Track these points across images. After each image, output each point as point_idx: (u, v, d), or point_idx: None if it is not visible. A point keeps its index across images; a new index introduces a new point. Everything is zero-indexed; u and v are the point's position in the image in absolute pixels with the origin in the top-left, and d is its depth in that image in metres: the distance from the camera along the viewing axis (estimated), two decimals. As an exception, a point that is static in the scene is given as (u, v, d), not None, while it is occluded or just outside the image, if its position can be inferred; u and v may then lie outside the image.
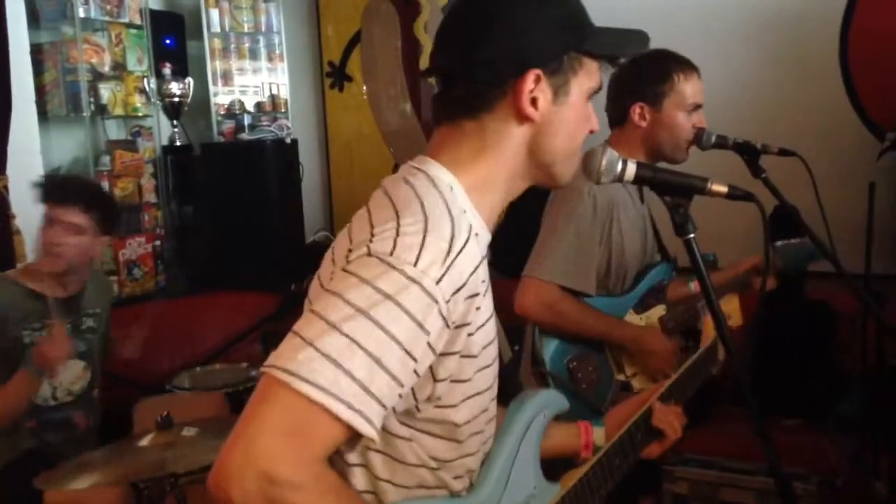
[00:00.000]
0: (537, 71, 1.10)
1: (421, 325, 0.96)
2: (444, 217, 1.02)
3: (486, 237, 1.13)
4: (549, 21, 1.12)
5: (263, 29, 4.70)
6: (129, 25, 4.12)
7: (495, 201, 1.16)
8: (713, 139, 2.06)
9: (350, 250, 1.01)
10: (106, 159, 4.04)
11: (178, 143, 4.29)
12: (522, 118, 1.11)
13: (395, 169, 4.54)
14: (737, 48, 3.69)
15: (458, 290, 1.00)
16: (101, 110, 4.02)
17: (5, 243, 3.28)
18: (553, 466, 1.37)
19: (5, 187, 3.31)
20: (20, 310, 2.45)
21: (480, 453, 1.19)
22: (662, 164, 1.97)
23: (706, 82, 2.12)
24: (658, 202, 1.35)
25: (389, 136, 4.68)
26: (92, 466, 2.05)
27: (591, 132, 1.21)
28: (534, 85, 1.10)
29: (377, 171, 4.75)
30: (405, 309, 0.95)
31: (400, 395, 0.98)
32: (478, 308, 1.05)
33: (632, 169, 1.26)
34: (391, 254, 0.97)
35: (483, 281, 1.06)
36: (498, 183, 1.15)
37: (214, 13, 4.53)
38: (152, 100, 4.20)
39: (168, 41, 4.33)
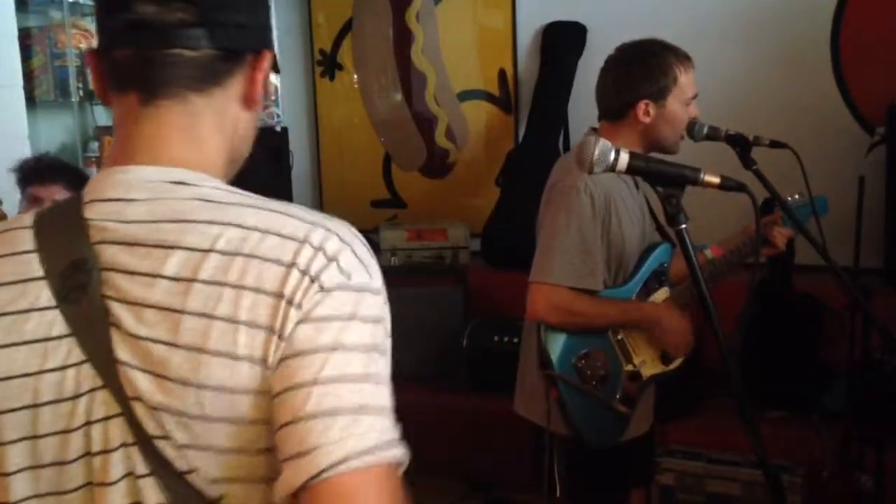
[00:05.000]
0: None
1: None
2: None
3: None
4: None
5: (254, 16, 4.66)
6: (119, 10, 4.09)
7: None
8: (705, 130, 2.07)
9: None
10: (94, 145, 4.00)
11: (166, 130, 4.26)
12: None
13: (386, 158, 4.56)
14: (729, 43, 3.69)
15: None
16: (90, 96, 3.97)
17: (-8, 229, 3.26)
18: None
19: (-9, 172, 3.28)
20: None
21: None
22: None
23: (698, 77, 2.13)
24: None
25: (380, 125, 4.67)
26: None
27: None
28: None
29: (367, 160, 4.75)
30: None
31: None
32: None
33: (624, 159, 1.27)
34: None
35: None
36: None
37: (205, -1, 4.50)
38: (141, 86, 4.17)
39: (158, 27, 4.29)
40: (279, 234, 0.80)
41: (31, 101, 3.75)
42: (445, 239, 4.11)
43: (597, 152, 1.26)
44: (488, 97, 4.37)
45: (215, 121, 0.90)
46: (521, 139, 4.26)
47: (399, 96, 4.59)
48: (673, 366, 2.15)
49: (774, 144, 2.06)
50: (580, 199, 1.99)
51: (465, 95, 4.43)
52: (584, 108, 3.93)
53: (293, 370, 0.77)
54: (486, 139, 4.42)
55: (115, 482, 0.81)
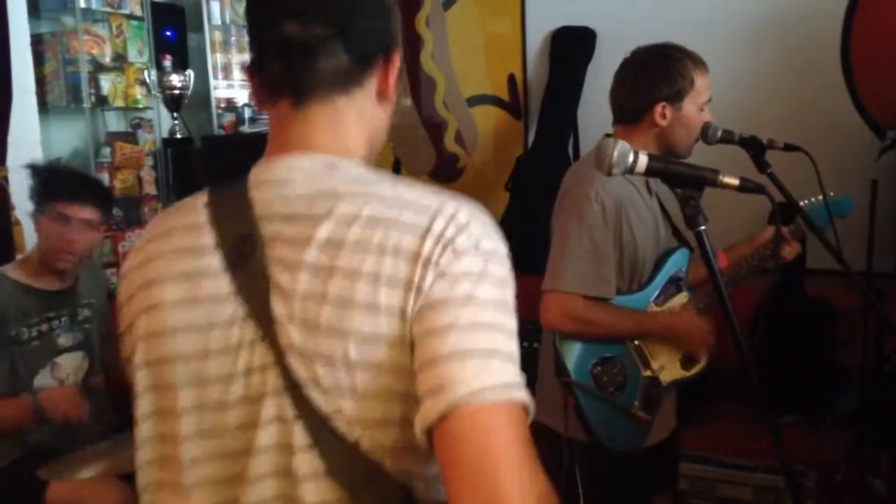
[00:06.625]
0: None
1: None
2: None
3: None
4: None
5: (264, 22, 4.68)
6: (130, 17, 4.11)
7: None
8: (719, 133, 2.06)
9: None
10: (106, 151, 4.02)
11: (178, 136, 4.28)
12: None
13: (395, 163, 4.56)
14: (740, 46, 3.70)
15: None
16: (102, 102, 4.00)
17: (5, 234, 3.27)
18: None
19: (5, 178, 3.29)
20: (16, 307, 2.43)
21: None
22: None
23: (710, 80, 2.13)
24: (668, 190, 1.35)
25: (389, 130, 4.68)
26: (96, 458, 2.06)
27: None
28: None
29: (376, 165, 4.74)
30: None
31: None
32: None
33: (643, 161, 1.27)
34: None
35: None
36: None
37: (215, 5, 4.52)
38: (153, 92, 4.18)
39: (169, 33, 4.31)
40: (416, 206, 0.92)
41: (43, 106, 3.78)
42: (455, 244, 4.10)
43: (616, 154, 1.26)
44: (498, 102, 4.38)
45: (356, 117, 1.04)
46: (530, 144, 4.26)
47: (408, 101, 4.61)
48: (694, 371, 2.13)
49: (788, 148, 2.06)
50: (591, 208, 1.98)
51: (475, 100, 4.44)
52: (593, 113, 3.94)
53: (431, 318, 0.87)
54: (495, 144, 4.43)
55: (266, 424, 0.92)
